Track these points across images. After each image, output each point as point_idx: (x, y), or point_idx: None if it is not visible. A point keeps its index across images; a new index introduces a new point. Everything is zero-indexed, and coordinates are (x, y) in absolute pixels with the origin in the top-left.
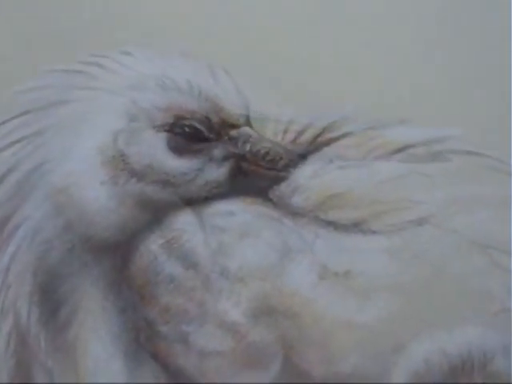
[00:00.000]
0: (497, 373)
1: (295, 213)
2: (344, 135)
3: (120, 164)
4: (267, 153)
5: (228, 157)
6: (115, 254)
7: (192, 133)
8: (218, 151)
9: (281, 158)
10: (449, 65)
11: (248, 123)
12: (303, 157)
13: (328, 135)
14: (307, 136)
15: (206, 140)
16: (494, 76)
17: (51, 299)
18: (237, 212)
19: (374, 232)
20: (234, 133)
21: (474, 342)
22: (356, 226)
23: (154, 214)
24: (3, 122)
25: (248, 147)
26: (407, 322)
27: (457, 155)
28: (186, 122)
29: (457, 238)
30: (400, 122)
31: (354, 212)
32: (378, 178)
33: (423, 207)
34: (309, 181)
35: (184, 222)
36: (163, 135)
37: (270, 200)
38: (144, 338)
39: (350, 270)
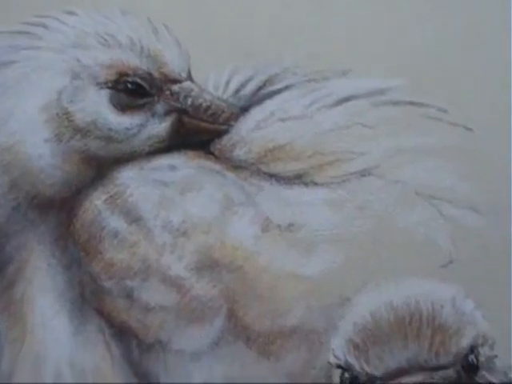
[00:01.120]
0: (445, 326)
1: (237, 166)
2: (285, 88)
3: (64, 121)
4: (209, 107)
5: (170, 111)
6: (61, 211)
7: (134, 89)
8: (160, 106)
9: (222, 112)
10: (388, 14)
11: (190, 78)
12: (245, 110)
13: (269, 88)
14: (249, 89)
15: (148, 95)
16: (431, 24)
17: None
18: (179, 166)
19: (316, 184)
20: (175, 88)
21: (421, 293)
22: (298, 179)
23: (98, 169)
24: None
25: (190, 101)
26: (352, 275)
27: (399, 106)
28: (129, 79)
29: (401, 188)
30: (342, 74)
31: (296, 164)
32: (320, 130)
33: (366, 158)
34: (250, 133)
35: (127, 177)
36: (106, 92)
37: (212, 153)
38: (89, 294)
39: (293, 223)
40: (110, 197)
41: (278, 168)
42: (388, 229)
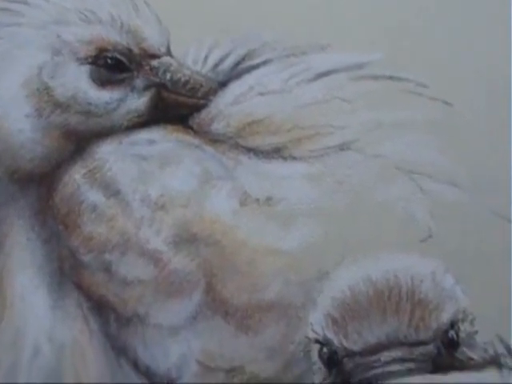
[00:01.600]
0: (425, 301)
1: (216, 140)
2: (264, 62)
3: (44, 96)
4: (187, 81)
5: (149, 86)
6: (40, 185)
7: (114, 64)
8: (139, 81)
9: (201, 86)
10: None
11: (169, 53)
12: (223, 84)
13: (248, 63)
14: (227, 64)
15: (127, 71)
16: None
17: None
18: (157, 140)
19: (295, 158)
20: (155, 63)
21: (400, 268)
22: (277, 153)
23: (78, 144)
24: None
25: (168, 76)
26: (331, 249)
27: (379, 80)
28: (109, 54)
29: (380, 163)
30: (321, 49)
31: (274, 138)
32: (298, 104)
33: (345, 132)
34: (229, 108)
35: (106, 151)
36: (86, 67)
37: (191, 128)
38: (67, 268)
39: (272, 197)
40: (89, 171)
41: (257, 142)
42: (367, 203)
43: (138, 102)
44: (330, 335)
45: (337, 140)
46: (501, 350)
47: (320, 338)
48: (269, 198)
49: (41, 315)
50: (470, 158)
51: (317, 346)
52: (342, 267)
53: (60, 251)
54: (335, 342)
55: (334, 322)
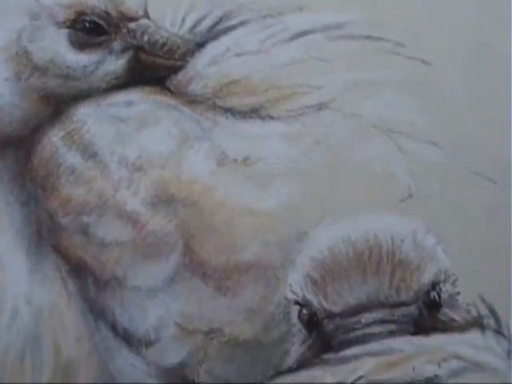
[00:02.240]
0: (406, 261)
1: (193, 101)
2: (241, 23)
3: (23, 60)
4: (165, 43)
5: (127, 48)
6: (18, 149)
7: (92, 28)
8: (117, 44)
9: (178, 48)
10: None
11: (146, 15)
12: (201, 46)
13: (225, 24)
14: (204, 25)
15: (105, 34)
16: None
17: None
18: (135, 102)
19: (272, 118)
20: (132, 25)
21: (380, 228)
22: (254, 113)
23: (56, 107)
24: None
25: (146, 38)
26: (309, 209)
27: (356, 40)
28: (87, 18)
29: (358, 122)
30: (298, 9)
31: (252, 98)
32: (275, 64)
33: (323, 92)
34: (206, 69)
35: (84, 113)
36: (65, 31)
37: (168, 89)
38: (46, 231)
39: (249, 157)
40: (67, 133)
41: (234, 102)
42: (345, 162)
43: (116, 65)
44: (310, 296)
45: (314, 99)
46: (484, 311)
47: (299, 299)
48: (246, 158)
49: (19, 278)
50: (449, 116)
51: (296, 308)
52: (320, 227)
53: (38, 214)
54: (315, 303)
55: (314, 282)
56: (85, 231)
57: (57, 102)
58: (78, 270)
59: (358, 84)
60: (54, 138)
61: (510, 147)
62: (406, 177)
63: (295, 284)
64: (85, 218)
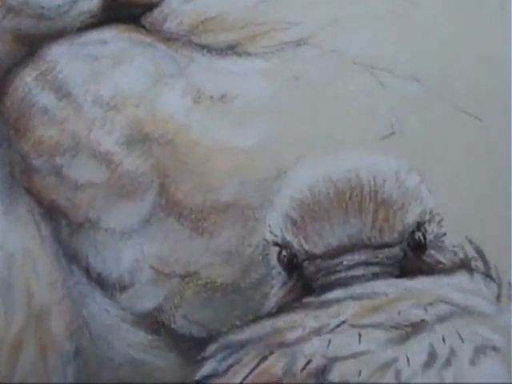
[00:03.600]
0: (389, 201)
1: (168, 38)
2: None
3: None
4: None
5: None
6: None
7: None
8: None
9: None
10: None
11: None
12: None
13: None
14: None
15: None
16: None
17: None
18: (109, 40)
19: (250, 54)
20: None
21: (361, 166)
22: (231, 49)
23: (30, 47)
24: None
25: None
26: (288, 147)
27: None
28: None
29: (338, 58)
30: None
31: (228, 35)
32: (252, 0)
33: (301, 28)
34: (182, 6)
35: (57, 52)
36: None
37: (143, 27)
38: (18, 173)
39: (226, 94)
40: (41, 73)
41: (210, 39)
42: (325, 99)
43: (91, 3)
44: (289, 237)
45: (293, 35)
46: (471, 253)
47: (279, 241)
48: (223, 96)
49: None
50: (433, 52)
51: (275, 249)
52: (300, 166)
53: (11, 156)
54: (295, 244)
55: (294, 223)
56: (58, 173)
57: (30, 43)
58: (51, 212)
59: (338, 19)
60: (27, 78)
61: (496, 84)
62: (388, 114)
63: (274, 225)
64: (58, 160)
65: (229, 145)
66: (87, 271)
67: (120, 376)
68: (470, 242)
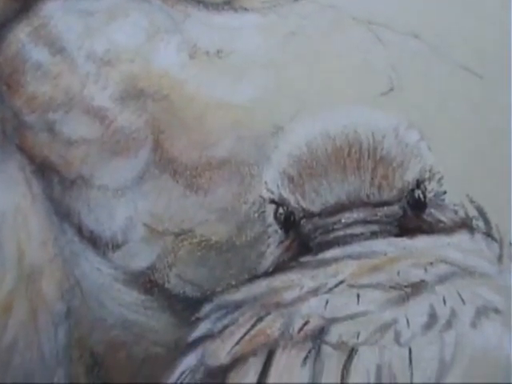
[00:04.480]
0: (388, 158)
1: None
2: None
3: None
4: None
5: None
6: None
7: None
8: None
9: None
10: None
11: None
12: None
13: None
14: None
15: None
16: None
17: None
18: None
19: (246, 9)
20: None
21: (360, 123)
22: (227, 4)
23: (24, 3)
24: None
25: None
26: (285, 102)
27: None
28: None
29: (336, 13)
30: None
31: None
32: None
33: None
34: None
35: (51, 8)
36: None
37: None
38: (10, 130)
39: (222, 49)
40: (34, 29)
41: None
42: (323, 54)
43: None
44: (286, 194)
45: None
46: (472, 212)
47: (275, 198)
48: (219, 51)
49: None
50: (434, 7)
51: (272, 207)
52: (297, 122)
53: (2, 113)
54: (292, 201)
55: (290, 180)
56: (50, 129)
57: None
58: (43, 169)
59: None
60: (21, 34)
61: (496, 40)
62: (386, 69)
63: (271, 181)
64: (51, 115)
65: (225, 100)
66: (79, 229)
67: (112, 337)
68: (471, 201)
